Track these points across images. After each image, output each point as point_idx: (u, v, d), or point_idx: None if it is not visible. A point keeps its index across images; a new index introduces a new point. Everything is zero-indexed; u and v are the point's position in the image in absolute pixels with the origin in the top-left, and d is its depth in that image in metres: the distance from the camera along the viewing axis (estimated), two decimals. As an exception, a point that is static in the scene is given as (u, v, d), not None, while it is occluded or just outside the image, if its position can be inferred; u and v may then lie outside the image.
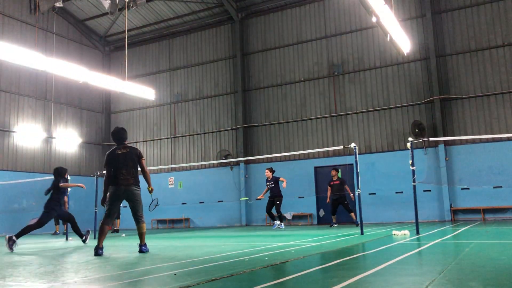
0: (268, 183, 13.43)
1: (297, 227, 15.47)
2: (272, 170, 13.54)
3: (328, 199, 14.30)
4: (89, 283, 3.94)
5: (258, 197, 13.95)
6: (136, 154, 7.09)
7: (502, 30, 15.77)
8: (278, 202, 13.09)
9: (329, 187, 14.32)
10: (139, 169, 7.10)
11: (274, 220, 13.37)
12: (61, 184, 9.20)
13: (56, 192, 9.09)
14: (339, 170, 15.44)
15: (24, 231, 8.39)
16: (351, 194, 14.16)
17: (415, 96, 16.76)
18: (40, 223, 8.63)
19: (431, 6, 16.71)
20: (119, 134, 7.17)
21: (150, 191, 7.13)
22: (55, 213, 8.96)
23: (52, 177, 9.73)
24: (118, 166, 6.88)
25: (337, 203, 14.04)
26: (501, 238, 7.27)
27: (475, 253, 5.15)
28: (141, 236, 6.93)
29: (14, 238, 8.07)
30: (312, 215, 17.80)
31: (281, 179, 13.21)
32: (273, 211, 13.36)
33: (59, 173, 9.45)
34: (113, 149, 7.11)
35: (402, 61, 17.00)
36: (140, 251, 6.79)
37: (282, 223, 13.03)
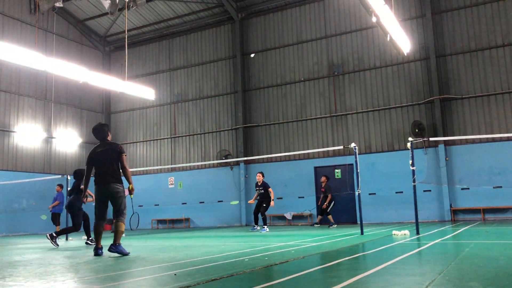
0: (257, 188, 13.07)
1: (297, 227, 15.48)
2: (263, 175, 13.30)
3: (319, 202, 15.23)
4: (89, 283, 3.94)
5: (250, 201, 13.84)
6: (116, 150, 6.71)
7: (502, 30, 15.76)
8: (265, 205, 12.80)
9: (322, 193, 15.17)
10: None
11: (256, 224, 13.14)
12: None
13: (79, 193, 9.32)
14: (329, 178, 15.35)
15: (62, 232, 9.03)
16: (325, 204, 14.59)
17: (415, 96, 16.76)
18: (76, 225, 9.18)
19: (431, 6, 16.70)
20: (98, 131, 6.85)
21: (130, 191, 6.67)
22: (82, 211, 9.40)
23: (50, 177, 10.05)
24: (98, 164, 6.66)
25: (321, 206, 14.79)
26: (501, 238, 7.27)
27: (475, 253, 5.14)
28: (115, 234, 6.40)
29: (54, 234, 8.59)
30: (312, 215, 17.79)
31: (270, 190, 12.88)
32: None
33: (79, 175, 9.55)
34: (94, 147, 6.88)
35: (402, 61, 17.00)
36: (109, 249, 6.28)
37: (266, 227, 12.69)
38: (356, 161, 9.74)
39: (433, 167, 16.04)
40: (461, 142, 15.90)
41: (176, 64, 21.79)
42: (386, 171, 16.71)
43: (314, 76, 18.57)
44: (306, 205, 17.75)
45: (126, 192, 6.71)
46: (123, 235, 12.52)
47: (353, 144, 9.88)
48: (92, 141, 22.37)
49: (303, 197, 17.75)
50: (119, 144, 6.93)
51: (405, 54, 13.36)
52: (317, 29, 18.79)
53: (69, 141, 21.11)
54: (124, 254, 6.29)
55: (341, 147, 11.66)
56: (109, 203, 6.68)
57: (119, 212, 6.58)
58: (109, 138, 6.97)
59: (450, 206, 15.64)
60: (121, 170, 6.73)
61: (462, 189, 15.67)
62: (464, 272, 3.80)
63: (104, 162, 6.63)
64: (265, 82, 19.57)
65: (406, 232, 8.74)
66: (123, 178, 6.77)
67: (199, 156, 20.52)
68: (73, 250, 8.24)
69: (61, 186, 16.08)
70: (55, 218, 16.28)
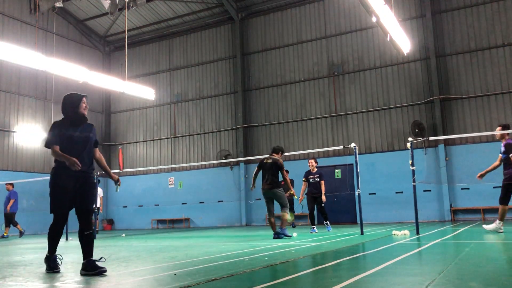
0: (311, 177, 11.05)
1: (297, 227, 15.47)
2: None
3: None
4: (89, 283, 3.94)
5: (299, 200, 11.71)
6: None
7: (502, 30, 15.76)
8: (323, 204, 11.21)
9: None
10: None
11: (313, 224, 11.26)
12: None
13: None
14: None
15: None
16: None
17: (415, 96, 16.76)
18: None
19: (431, 6, 16.70)
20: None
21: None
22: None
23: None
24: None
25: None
26: (501, 238, 7.27)
27: (475, 253, 5.14)
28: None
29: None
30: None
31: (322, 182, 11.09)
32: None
33: None
34: None
35: (402, 61, 17.00)
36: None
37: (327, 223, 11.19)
38: (356, 161, 9.74)
39: (433, 167, 16.04)
40: (461, 142, 15.90)
41: (176, 64, 21.79)
42: (386, 171, 16.70)
43: (314, 76, 18.57)
44: (306, 205, 17.72)
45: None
46: (123, 235, 12.54)
47: (353, 144, 9.87)
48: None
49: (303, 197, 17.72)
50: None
51: (405, 54, 13.36)
52: (317, 29, 18.79)
53: (69, 141, 21.06)
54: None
55: (341, 147, 11.65)
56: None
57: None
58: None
59: (450, 206, 15.64)
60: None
61: (462, 189, 15.67)
62: (464, 272, 3.80)
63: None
64: (265, 82, 19.57)
65: (406, 232, 8.74)
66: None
67: (199, 156, 20.52)
68: (73, 250, 8.23)
69: (11, 184, 15.69)
70: (13, 218, 15.42)
